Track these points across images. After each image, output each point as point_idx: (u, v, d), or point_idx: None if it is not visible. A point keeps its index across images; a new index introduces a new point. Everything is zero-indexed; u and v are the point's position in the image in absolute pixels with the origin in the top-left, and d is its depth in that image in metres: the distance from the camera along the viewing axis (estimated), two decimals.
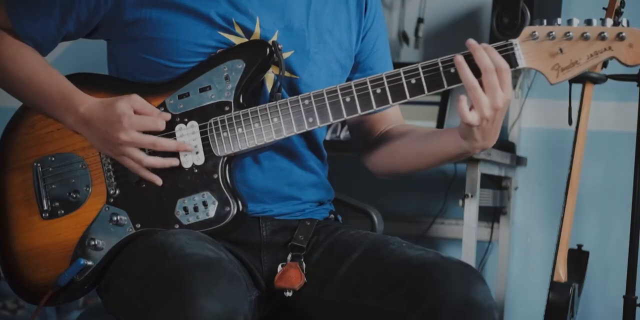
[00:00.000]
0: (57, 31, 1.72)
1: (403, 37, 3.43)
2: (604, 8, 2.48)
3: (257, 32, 1.69)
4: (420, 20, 3.40)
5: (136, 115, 1.62)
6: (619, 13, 2.47)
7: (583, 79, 2.66)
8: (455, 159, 1.71)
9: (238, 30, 1.68)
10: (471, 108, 1.56)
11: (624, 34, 1.52)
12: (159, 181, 1.65)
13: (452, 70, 1.57)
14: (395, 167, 1.81)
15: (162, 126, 1.63)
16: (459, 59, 1.55)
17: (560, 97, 2.96)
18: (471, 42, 1.55)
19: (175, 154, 1.64)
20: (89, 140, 1.68)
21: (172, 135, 1.65)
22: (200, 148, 1.64)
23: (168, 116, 1.65)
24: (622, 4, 2.47)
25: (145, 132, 1.63)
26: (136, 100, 1.64)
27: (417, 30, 3.40)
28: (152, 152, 1.64)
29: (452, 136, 1.65)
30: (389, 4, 3.47)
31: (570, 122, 2.68)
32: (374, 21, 1.84)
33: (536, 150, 3.28)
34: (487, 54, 1.54)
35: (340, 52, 1.79)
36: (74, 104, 1.66)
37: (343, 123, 1.89)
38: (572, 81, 2.65)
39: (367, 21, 1.83)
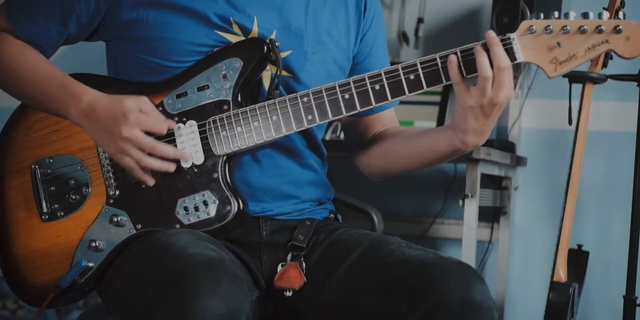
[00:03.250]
0: (58, 34, 1.72)
1: (403, 37, 3.43)
2: (604, 8, 2.47)
3: (255, 31, 1.69)
4: (420, 20, 3.40)
5: (143, 114, 1.62)
6: (619, 13, 2.47)
7: (583, 79, 2.66)
8: (447, 158, 1.70)
9: (236, 29, 1.68)
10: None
11: (620, 27, 1.53)
12: (151, 181, 1.64)
13: None
14: (387, 167, 1.81)
15: (164, 131, 1.62)
16: (453, 58, 1.56)
17: (560, 97, 2.96)
18: (491, 34, 1.55)
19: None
20: (89, 133, 1.67)
21: (171, 135, 1.65)
22: (199, 147, 1.64)
23: (173, 124, 1.64)
24: (622, 3, 2.47)
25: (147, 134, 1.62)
26: (146, 102, 1.63)
27: (417, 30, 3.40)
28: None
29: (444, 134, 1.66)
30: (389, 4, 3.47)
31: (570, 122, 2.68)
32: (372, 22, 1.84)
33: (536, 150, 3.28)
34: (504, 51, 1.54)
35: (338, 52, 1.79)
36: (76, 95, 1.65)
37: None
38: (572, 81, 2.65)
39: (365, 22, 1.83)
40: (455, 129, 1.63)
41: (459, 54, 1.56)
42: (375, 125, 1.86)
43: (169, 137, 1.65)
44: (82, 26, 1.71)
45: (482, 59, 1.54)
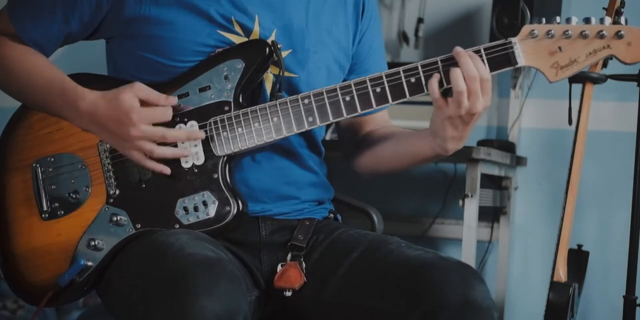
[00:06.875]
0: (59, 32, 1.72)
1: (403, 37, 3.43)
2: (604, 8, 2.48)
3: (257, 30, 1.69)
4: (420, 20, 3.40)
5: (145, 108, 1.61)
6: (619, 13, 2.47)
7: (583, 79, 2.65)
8: (430, 160, 1.74)
9: (237, 28, 1.68)
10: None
11: (622, 32, 1.53)
12: (166, 170, 1.63)
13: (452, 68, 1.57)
14: (375, 167, 1.83)
15: (170, 116, 1.62)
16: (436, 74, 1.57)
17: (560, 97, 2.96)
18: (458, 49, 1.56)
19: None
20: (99, 136, 1.67)
21: None
22: (200, 148, 1.64)
23: (174, 100, 1.64)
24: (622, 4, 2.47)
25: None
26: (140, 88, 1.62)
27: (417, 30, 3.40)
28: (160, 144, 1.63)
29: (425, 139, 1.67)
30: (389, 4, 3.47)
31: (570, 122, 2.67)
32: (370, 24, 1.85)
33: (536, 150, 3.28)
34: (472, 62, 1.55)
35: (339, 52, 1.79)
36: (74, 100, 1.65)
37: None
38: (572, 81, 2.65)
39: (363, 24, 1.84)
40: (434, 136, 1.64)
41: (439, 64, 1.57)
42: (367, 125, 1.88)
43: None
44: (84, 24, 1.71)
45: (454, 73, 1.55)
